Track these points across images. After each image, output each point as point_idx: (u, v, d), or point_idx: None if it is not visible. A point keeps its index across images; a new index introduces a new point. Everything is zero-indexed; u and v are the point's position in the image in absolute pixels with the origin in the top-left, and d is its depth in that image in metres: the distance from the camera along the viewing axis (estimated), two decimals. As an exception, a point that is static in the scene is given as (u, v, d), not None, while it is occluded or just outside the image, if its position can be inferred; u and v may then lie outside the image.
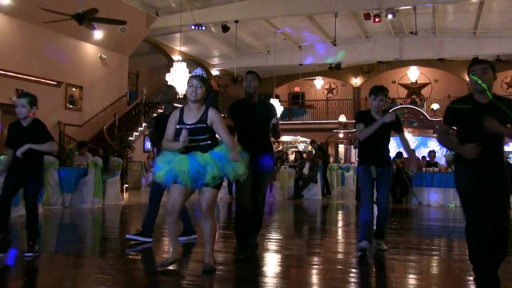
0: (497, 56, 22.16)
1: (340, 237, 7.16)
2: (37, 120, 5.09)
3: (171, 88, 6.26)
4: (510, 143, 22.84)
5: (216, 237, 4.61)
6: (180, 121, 4.23)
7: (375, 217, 5.38)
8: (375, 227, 5.44)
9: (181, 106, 4.57)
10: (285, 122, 23.67)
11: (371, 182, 5.40)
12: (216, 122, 4.21)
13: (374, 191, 5.41)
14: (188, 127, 4.16)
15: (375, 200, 5.46)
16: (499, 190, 3.83)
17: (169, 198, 4.24)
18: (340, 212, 10.96)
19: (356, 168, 5.71)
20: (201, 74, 4.29)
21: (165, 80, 15.52)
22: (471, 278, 4.35)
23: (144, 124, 16.57)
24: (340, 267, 4.83)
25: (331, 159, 22.12)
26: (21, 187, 4.99)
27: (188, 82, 4.28)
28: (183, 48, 19.84)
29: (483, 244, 3.74)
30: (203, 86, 4.24)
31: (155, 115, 6.40)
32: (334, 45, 18.27)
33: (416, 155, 13.69)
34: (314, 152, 14.49)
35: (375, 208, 5.30)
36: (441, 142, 4.09)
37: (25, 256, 4.79)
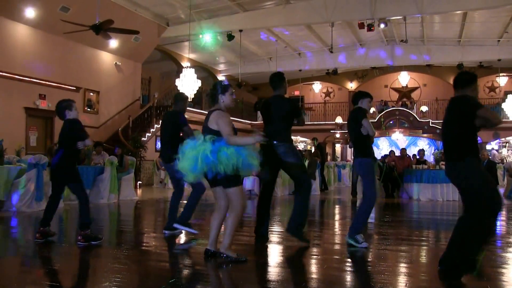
0: (480, 63, 22.15)
1: (337, 230, 7.16)
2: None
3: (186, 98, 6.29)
4: (491, 142, 22.82)
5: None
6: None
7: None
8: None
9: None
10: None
11: None
12: None
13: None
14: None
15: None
16: None
17: (244, 197, 4.35)
18: (337, 206, 10.94)
19: (360, 160, 5.26)
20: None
21: (175, 85, 15.53)
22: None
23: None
24: (337, 257, 4.84)
25: (329, 158, 22.10)
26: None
27: (232, 93, 4.46)
28: (192, 55, 19.85)
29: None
30: None
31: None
32: (331, 52, 18.25)
33: (407, 153, 13.72)
34: (313, 149, 14.48)
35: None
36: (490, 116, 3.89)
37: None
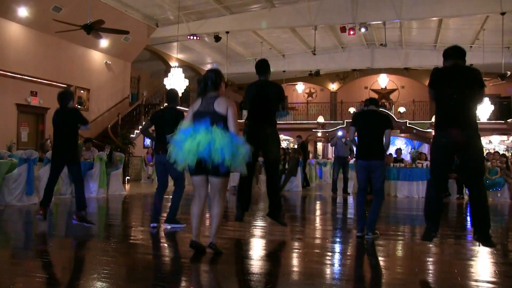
0: (454, 67, 22.45)
1: (318, 225, 7.20)
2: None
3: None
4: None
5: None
6: None
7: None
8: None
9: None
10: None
11: None
12: None
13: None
14: None
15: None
16: None
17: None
18: (318, 202, 10.99)
19: (383, 162, 5.91)
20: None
21: (164, 84, 15.45)
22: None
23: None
24: (318, 251, 4.86)
25: (310, 155, 22.18)
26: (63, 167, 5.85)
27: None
28: (180, 56, 19.75)
29: None
30: None
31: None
32: (314, 54, 18.30)
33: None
34: (296, 147, 14.53)
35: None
36: None
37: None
